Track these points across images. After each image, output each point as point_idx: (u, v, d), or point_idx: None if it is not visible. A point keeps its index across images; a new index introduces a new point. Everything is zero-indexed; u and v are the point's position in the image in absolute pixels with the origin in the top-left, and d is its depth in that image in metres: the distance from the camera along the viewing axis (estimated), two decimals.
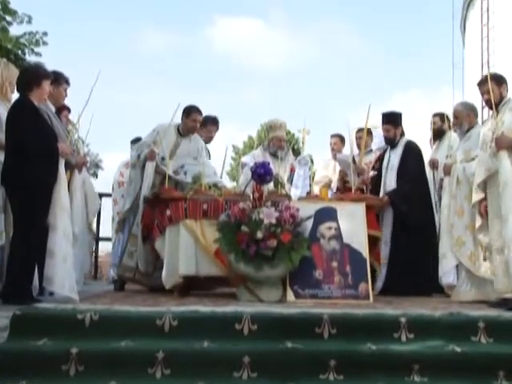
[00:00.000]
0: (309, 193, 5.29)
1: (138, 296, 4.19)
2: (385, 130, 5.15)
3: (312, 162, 6.58)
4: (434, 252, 4.54)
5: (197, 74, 45.64)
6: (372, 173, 5.39)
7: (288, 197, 4.29)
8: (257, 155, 6.03)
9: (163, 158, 4.83)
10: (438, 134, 5.21)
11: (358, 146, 6.00)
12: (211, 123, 5.42)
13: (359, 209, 4.25)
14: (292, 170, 5.92)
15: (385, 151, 5.35)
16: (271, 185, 4.73)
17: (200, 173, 4.60)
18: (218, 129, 5.51)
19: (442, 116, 5.19)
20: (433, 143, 5.33)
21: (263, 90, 46.84)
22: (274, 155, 5.76)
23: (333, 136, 6.28)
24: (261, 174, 4.01)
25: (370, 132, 5.90)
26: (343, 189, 5.35)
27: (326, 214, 4.18)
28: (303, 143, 6.11)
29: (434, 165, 4.85)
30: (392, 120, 5.11)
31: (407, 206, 4.76)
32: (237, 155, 31.89)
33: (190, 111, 5.03)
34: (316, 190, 5.77)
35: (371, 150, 6.17)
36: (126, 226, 4.87)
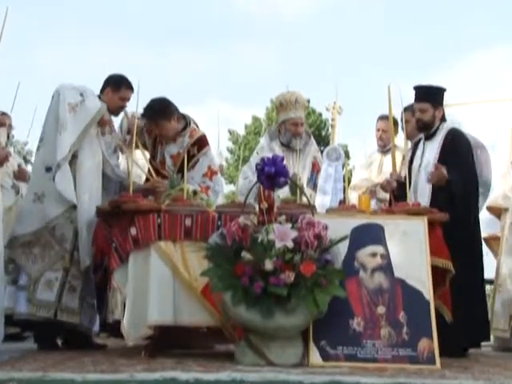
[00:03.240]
0: (342, 202, 5.22)
1: (86, 356, 4.16)
2: (419, 111, 5.18)
3: (348, 156, 6.56)
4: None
5: (178, 25, 46.00)
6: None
7: (311, 208, 4.22)
8: (260, 148, 6.01)
9: None
10: None
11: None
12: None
13: (418, 226, 4.22)
14: (315, 168, 5.89)
15: (416, 143, 5.38)
16: (285, 190, 4.67)
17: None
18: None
19: None
20: None
21: (273, 49, 47.05)
22: (288, 146, 5.74)
23: (381, 119, 6.22)
24: (270, 174, 3.94)
25: (395, 122, 5.87)
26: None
27: (369, 235, 4.19)
28: (333, 127, 6.06)
29: None
30: (431, 96, 5.15)
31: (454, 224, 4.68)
32: (235, 145, 32.25)
33: (120, 85, 5.12)
34: (353, 197, 5.69)
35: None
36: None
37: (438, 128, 5.16)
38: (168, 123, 5.30)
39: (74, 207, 4.70)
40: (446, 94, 5.28)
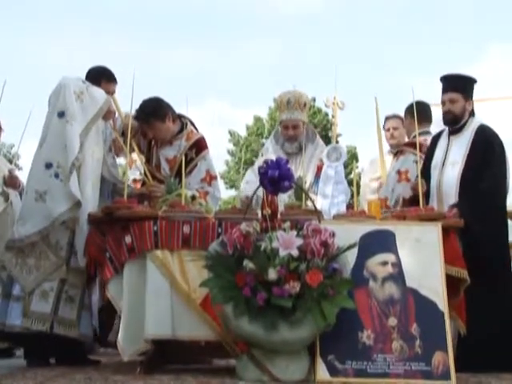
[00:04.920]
0: (350, 207, 5.22)
1: (78, 373, 4.15)
2: (449, 102, 5.09)
3: (356, 158, 6.56)
4: None
5: (176, 21, 46.11)
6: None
7: (318, 214, 4.22)
8: (265, 149, 6.06)
9: None
10: None
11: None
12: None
13: (432, 233, 4.22)
14: (319, 171, 5.90)
15: (435, 138, 5.33)
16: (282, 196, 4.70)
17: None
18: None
19: None
20: None
21: (276, 46, 47.04)
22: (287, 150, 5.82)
23: (390, 118, 6.22)
24: (274, 177, 3.95)
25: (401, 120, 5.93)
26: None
27: (379, 242, 4.19)
28: (334, 124, 6.01)
29: None
30: (462, 86, 5.08)
31: (481, 229, 4.73)
32: (236, 147, 32.18)
33: (100, 78, 5.11)
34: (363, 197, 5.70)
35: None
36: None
37: (465, 123, 5.08)
38: (162, 124, 5.28)
39: (78, 204, 4.67)
40: (475, 86, 5.18)
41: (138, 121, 5.27)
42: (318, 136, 6.20)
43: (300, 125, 5.92)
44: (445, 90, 5.12)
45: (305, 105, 5.97)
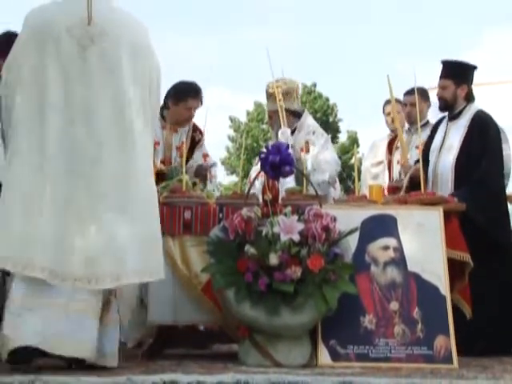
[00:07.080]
0: (352, 192, 5.21)
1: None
2: (440, 88, 5.14)
3: (357, 144, 6.53)
4: None
5: (176, 7, 46.12)
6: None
7: (319, 199, 4.22)
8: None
9: None
10: None
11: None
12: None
13: (434, 217, 4.22)
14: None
15: (437, 124, 5.36)
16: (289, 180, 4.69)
17: None
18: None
19: None
20: None
21: (275, 31, 46.99)
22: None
23: (390, 102, 6.20)
24: (275, 163, 3.96)
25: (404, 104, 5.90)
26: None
27: (380, 226, 4.19)
28: (281, 108, 5.76)
29: None
30: (453, 72, 5.10)
31: (485, 218, 4.74)
32: (237, 133, 32.15)
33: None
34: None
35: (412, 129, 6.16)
36: None
37: (463, 109, 5.09)
38: (199, 106, 5.50)
39: None
40: (474, 71, 5.19)
41: (194, 95, 5.40)
42: (306, 118, 5.97)
43: (271, 115, 5.87)
44: (439, 77, 5.17)
45: (271, 95, 5.75)
